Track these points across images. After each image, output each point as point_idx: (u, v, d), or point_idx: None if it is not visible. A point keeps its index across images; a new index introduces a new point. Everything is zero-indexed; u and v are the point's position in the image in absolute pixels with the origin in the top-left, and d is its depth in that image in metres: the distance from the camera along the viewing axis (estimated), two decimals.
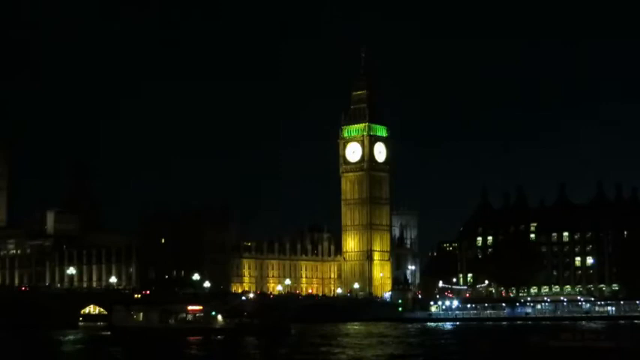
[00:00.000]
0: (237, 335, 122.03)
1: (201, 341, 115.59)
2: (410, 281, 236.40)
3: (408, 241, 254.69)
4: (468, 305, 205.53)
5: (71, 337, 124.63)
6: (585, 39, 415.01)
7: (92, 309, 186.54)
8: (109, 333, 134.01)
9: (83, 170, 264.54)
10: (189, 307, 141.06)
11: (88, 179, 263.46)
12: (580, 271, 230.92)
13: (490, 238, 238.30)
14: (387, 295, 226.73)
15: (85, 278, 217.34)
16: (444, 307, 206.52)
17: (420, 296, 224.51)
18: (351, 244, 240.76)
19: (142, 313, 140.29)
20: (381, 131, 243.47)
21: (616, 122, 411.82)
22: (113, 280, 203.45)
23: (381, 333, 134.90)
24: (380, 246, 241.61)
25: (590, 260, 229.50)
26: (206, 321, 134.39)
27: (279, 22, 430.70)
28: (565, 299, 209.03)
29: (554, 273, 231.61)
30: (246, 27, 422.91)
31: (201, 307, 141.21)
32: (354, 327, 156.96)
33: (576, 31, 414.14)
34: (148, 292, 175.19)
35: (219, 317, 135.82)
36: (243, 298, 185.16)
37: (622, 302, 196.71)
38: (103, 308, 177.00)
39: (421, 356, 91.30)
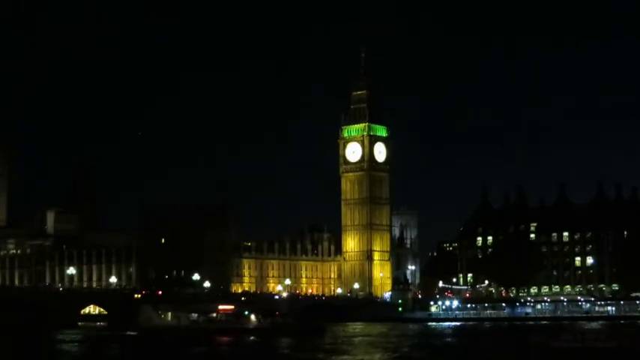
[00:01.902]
0: (272, 335, 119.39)
1: (235, 341, 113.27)
2: (410, 281, 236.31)
3: (408, 241, 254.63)
4: (468, 305, 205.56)
5: (80, 338, 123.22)
6: (585, 37, 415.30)
7: (92, 309, 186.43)
8: (134, 333, 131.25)
9: (84, 170, 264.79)
10: (221, 307, 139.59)
11: (88, 179, 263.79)
12: (580, 271, 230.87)
13: (490, 238, 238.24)
14: (387, 295, 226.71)
15: (85, 278, 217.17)
16: (444, 307, 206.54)
17: (420, 296, 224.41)
18: (351, 244, 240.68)
19: (170, 313, 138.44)
20: (381, 131, 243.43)
21: (616, 122, 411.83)
22: (113, 280, 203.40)
23: (402, 333, 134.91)
24: (380, 246, 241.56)
25: (590, 260, 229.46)
26: (238, 321, 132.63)
27: (279, 22, 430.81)
28: (565, 299, 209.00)
29: (554, 273, 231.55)
30: (246, 26, 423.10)
31: (233, 307, 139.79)
32: (358, 327, 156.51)
33: (575, 30, 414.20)
34: (144, 292, 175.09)
35: (253, 317, 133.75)
36: (276, 297, 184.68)
37: (622, 302, 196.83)
38: (103, 308, 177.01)
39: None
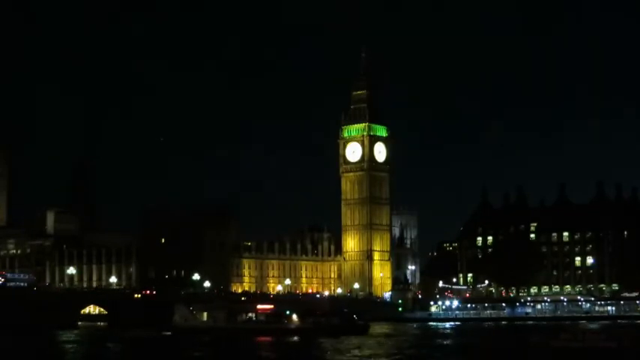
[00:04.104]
0: (314, 335, 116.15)
1: (276, 342, 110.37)
2: (410, 281, 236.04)
3: (408, 241, 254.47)
4: (468, 305, 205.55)
5: (119, 340, 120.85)
6: (582, 38, 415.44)
7: (92, 309, 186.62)
8: (169, 333, 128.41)
9: (83, 170, 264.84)
10: (259, 306, 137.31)
11: (88, 179, 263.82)
12: (580, 271, 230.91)
13: (490, 238, 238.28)
14: (387, 295, 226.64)
15: (85, 278, 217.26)
16: (444, 307, 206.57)
17: (420, 296, 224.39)
18: (351, 244, 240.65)
19: (206, 313, 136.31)
20: (381, 131, 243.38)
21: (617, 121, 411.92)
22: (113, 280, 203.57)
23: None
24: (380, 246, 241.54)
25: (590, 260, 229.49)
26: (279, 320, 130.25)
27: (278, 22, 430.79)
28: (565, 299, 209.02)
29: (554, 273, 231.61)
30: (246, 26, 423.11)
31: (272, 306, 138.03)
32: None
33: (573, 31, 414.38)
34: (147, 291, 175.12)
35: (294, 316, 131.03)
36: (317, 296, 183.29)
37: (622, 302, 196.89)
38: (103, 308, 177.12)
39: None
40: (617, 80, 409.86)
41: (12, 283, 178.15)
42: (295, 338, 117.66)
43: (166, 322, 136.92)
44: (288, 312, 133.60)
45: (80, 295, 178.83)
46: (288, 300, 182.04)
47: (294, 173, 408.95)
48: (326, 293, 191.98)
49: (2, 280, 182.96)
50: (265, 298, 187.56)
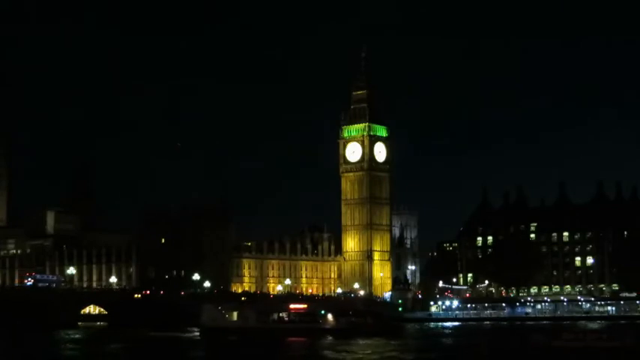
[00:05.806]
0: (350, 336, 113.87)
1: (311, 343, 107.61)
2: (410, 281, 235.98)
3: (408, 241, 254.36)
4: (468, 305, 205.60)
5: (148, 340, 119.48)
6: (583, 38, 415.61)
7: (92, 309, 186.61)
8: (197, 334, 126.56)
9: (84, 170, 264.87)
10: (292, 306, 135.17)
11: (88, 179, 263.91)
12: (580, 271, 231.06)
13: (490, 238, 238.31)
14: (387, 295, 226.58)
15: (85, 278, 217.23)
16: (444, 307, 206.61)
17: (420, 296, 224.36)
18: (351, 244, 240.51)
19: (236, 312, 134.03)
20: (381, 131, 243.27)
21: (616, 121, 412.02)
22: (113, 280, 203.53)
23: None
24: (380, 246, 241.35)
25: (590, 260, 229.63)
26: (313, 320, 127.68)
27: (278, 23, 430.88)
28: (565, 299, 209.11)
29: (554, 273, 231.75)
30: (246, 27, 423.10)
31: (305, 306, 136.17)
32: None
33: (574, 31, 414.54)
34: (147, 291, 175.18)
35: (329, 316, 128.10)
36: (352, 295, 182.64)
37: (622, 302, 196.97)
38: (103, 308, 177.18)
39: None
40: (617, 80, 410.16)
41: (41, 284, 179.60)
42: (330, 339, 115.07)
43: (193, 322, 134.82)
44: (322, 312, 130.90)
45: (80, 295, 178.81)
46: (321, 299, 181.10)
47: (295, 173, 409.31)
48: (361, 292, 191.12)
49: (32, 280, 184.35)
50: (265, 298, 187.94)
